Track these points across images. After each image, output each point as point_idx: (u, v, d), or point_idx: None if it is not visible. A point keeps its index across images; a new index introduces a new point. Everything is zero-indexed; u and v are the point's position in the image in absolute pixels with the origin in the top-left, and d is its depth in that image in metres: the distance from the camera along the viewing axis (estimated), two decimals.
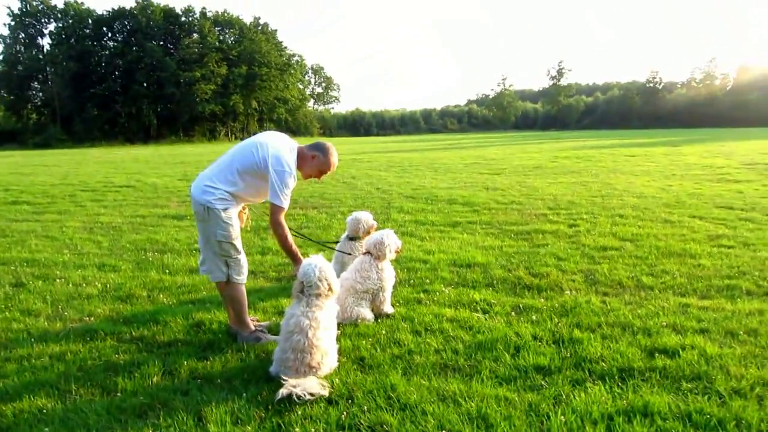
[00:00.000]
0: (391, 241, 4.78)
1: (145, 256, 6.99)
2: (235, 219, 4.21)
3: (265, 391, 3.44)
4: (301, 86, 76.19)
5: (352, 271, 4.75)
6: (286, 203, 4.08)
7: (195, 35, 55.64)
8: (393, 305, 4.93)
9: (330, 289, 3.72)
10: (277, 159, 4.02)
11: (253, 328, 4.36)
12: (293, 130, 66.66)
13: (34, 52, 54.18)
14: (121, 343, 4.29)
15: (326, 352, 3.62)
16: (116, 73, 54.97)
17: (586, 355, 3.83)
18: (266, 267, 6.43)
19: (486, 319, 4.60)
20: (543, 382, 3.48)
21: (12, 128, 53.57)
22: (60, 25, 53.82)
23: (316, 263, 3.71)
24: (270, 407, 3.24)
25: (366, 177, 15.74)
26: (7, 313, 4.95)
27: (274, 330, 4.34)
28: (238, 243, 4.23)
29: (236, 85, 56.35)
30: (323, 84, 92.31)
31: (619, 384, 3.44)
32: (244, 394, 3.40)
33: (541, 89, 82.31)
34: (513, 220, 8.82)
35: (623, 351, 3.85)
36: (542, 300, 5.05)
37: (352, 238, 5.68)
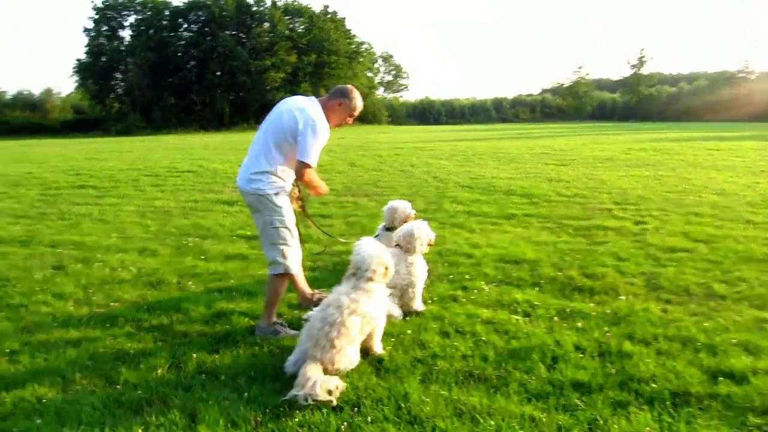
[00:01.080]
0: (423, 233, 4.41)
1: (187, 241, 6.94)
2: (288, 203, 4.06)
3: (268, 391, 3.18)
4: (370, 74, 76.22)
5: None
6: (314, 161, 3.89)
7: (266, 24, 56.74)
8: (425, 302, 4.56)
9: (385, 275, 3.62)
10: (307, 115, 3.85)
11: (275, 319, 4.14)
12: (362, 118, 66.65)
13: (115, 44, 56.96)
14: (139, 331, 4.17)
15: (353, 341, 3.35)
16: (191, 62, 56.97)
17: (634, 372, 3.32)
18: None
19: (525, 323, 4.15)
20: (579, 402, 3.02)
21: (97, 116, 56.71)
22: (139, 17, 56.28)
23: (369, 247, 3.61)
24: (268, 411, 2.97)
25: (425, 165, 15.32)
26: (40, 295, 4.96)
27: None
28: (294, 229, 4.07)
29: (305, 73, 57.03)
30: (393, 72, 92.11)
31: (671, 411, 2.93)
32: (246, 394, 3.16)
33: (620, 78, 78.16)
34: (573, 215, 8.19)
35: (680, 371, 3.31)
36: (593, 304, 4.53)
37: (389, 228, 5.35)
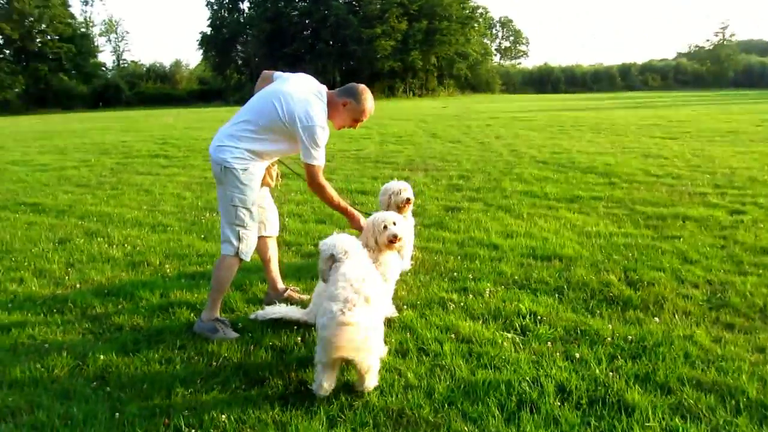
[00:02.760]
0: (375, 227, 3.56)
1: (204, 216, 6.60)
2: (256, 182, 3.57)
3: (148, 414, 2.62)
4: (487, 40, 73.22)
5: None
6: (320, 161, 3.50)
7: None
8: (403, 306, 3.78)
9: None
10: (305, 112, 3.40)
11: (217, 315, 3.60)
12: (473, 86, 64.55)
13: (235, 16, 59.31)
14: (82, 319, 3.81)
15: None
16: (304, 32, 57.95)
17: None
18: (305, 237, 5.58)
19: (513, 345, 3.22)
20: None
21: (218, 87, 59.83)
22: None
23: (331, 238, 3.13)
24: None
25: (511, 137, 14.02)
26: (21, 272, 4.79)
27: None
28: (255, 211, 3.60)
29: (416, 40, 55.68)
30: (511, 37, 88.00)
31: None
32: (117, 414, 2.62)
33: None
34: (654, 199, 6.80)
35: None
36: (618, 323, 3.47)
37: None
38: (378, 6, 55.01)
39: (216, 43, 58.37)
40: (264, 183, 3.91)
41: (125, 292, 4.20)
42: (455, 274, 4.43)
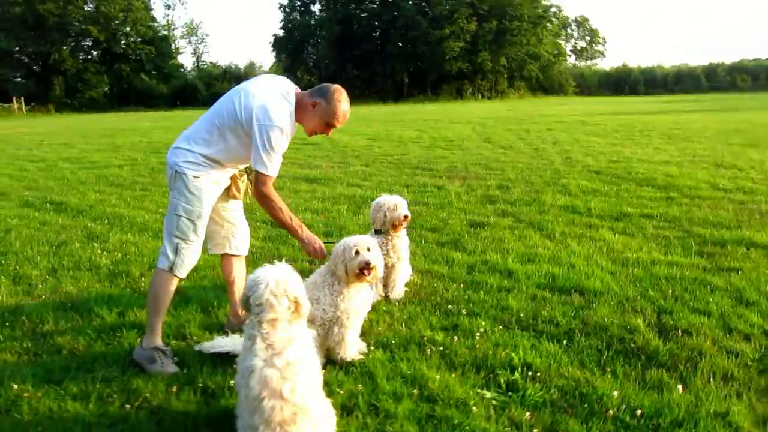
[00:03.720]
0: (353, 253, 3.00)
1: None
2: (209, 193, 3.18)
3: None
4: (561, 41, 70.52)
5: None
6: (272, 169, 3.09)
7: None
8: (384, 342, 3.22)
9: (295, 310, 2.39)
10: (263, 109, 3.02)
11: (158, 343, 3.16)
12: (546, 89, 62.32)
13: (306, 18, 60.15)
14: (28, 336, 3.50)
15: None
16: (373, 34, 57.93)
17: None
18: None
19: (484, 412, 2.58)
20: None
21: None
22: None
23: (272, 273, 2.39)
24: None
25: (570, 143, 13.00)
26: (1, 277, 4.59)
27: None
28: (201, 226, 3.19)
29: (485, 41, 54.28)
30: (587, 37, 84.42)
31: None
32: None
33: None
34: (716, 219, 5.84)
35: None
36: (632, 386, 2.75)
37: (378, 231, 4.00)
38: (447, 6, 54.15)
39: (288, 45, 59.47)
40: (230, 195, 3.47)
41: (85, 308, 3.86)
42: (451, 306, 3.79)
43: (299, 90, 3.29)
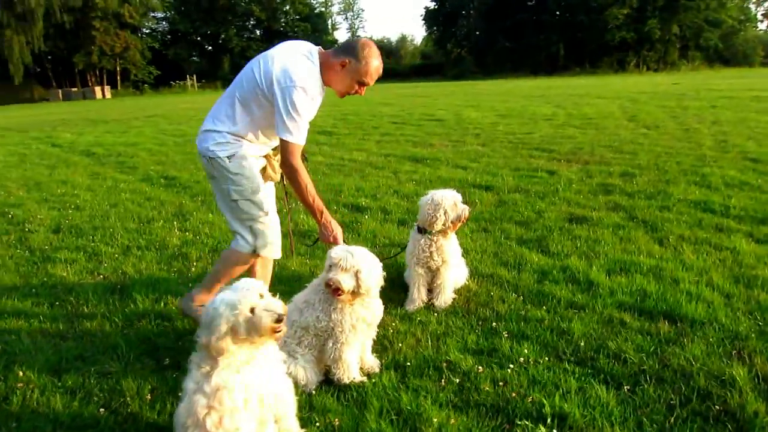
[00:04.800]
0: (327, 266, 2.54)
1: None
2: (251, 168, 3.00)
3: None
4: (751, 5, 61.24)
5: (299, 298, 2.76)
6: (298, 136, 2.85)
7: None
8: (400, 363, 2.76)
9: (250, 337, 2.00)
10: (284, 71, 2.82)
11: None
12: (726, 60, 54.59)
13: None
14: (64, 318, 3.56)
15: None
16: (528, 3, 54.96)
17: None
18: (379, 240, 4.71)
19: None
20: None
21: (439, 61, 60.41)
22: None
23: (231, 296, 2.02)
24: None
25: (734, 123, 10.99)
26: (78, 253, 4.81)
27: None
28: (262, 199, 3.04)
29: (655, 7, 48.68)
30: None
31: None
32: None
33: None
34: None
35: None
36: None
37: (422, 230, 3.48)
38: None
39: (438, 17, 58.81)
40: (266, 177, 3.17)
41: (128, 292, 3.86)
42: (496, 324, 3.18)
43: (323, 50, 3.03)
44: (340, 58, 2.92)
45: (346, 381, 2.61)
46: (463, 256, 4.11)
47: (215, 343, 1.94)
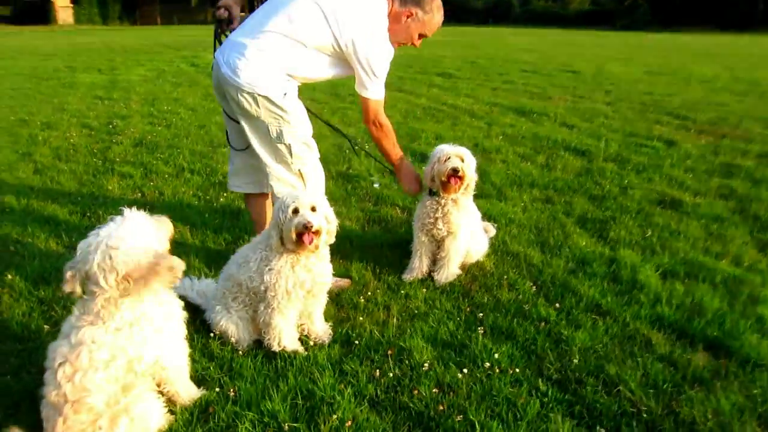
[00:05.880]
0: (290, 212, 2.20)
1: None
2: (302, 105, 2.72)
3: None
4: None
5: (242, 251, 2.49)
6: (383, 93, 2.77)
7: None
8: (351, 340, 2.43)
9: (122, 285, 1.80)
10: (368, 33, 2.64)
11: None
12: None
13: None
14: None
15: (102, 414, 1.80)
16: None
17: None
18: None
19: None
20: None
21: (611, 9, 54.91)
22: None
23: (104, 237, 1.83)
24: None
25: None
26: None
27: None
28: (312, 140, 2.78)
29: None
30: None
31: None
32: None
33: None
34: None
35: None
36: None
37: (432, 192, 3.01)
38: None
39: None
40: None
41: None
42: (485, 315, 2.67)
43: None
44: (407, 7, 2.78)
45: (276, 348, 2.34)
46: (498, 226, 3.59)
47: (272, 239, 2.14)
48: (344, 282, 2.98)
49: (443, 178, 2.84)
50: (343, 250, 3.34)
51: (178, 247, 3.32)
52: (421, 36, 2.89)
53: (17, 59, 15.08)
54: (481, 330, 2.52)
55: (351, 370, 2.25)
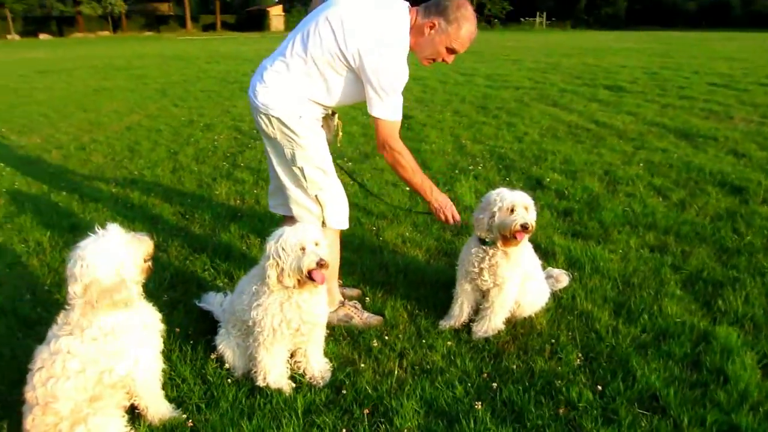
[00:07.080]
0: (299, 250, 2.10)
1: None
2: (320, 132, 2.71)
3: None
4: None
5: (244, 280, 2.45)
6: (397, 114, 2.53)
7: None
8: (351, 385, 2.31)
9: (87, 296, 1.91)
10: (375, 43, 2.43)
11: (342, 299, 2.92)
12: None
13: None
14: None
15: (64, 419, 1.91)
16: None
17: None
18: None
19: None
20: None
21: None
22: None
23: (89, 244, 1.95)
24: None
25: None
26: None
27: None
28: (329, 166, 2.71)
29: None
30: None
31: None
32: None
33: None
34: None
35: None
36: None
37: (484, 242, 2.67)
38: None
39: None
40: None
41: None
42: (499, 386, 2.30)
43: (408, 4, 2.60)
44: (430, 18, 2.53)
45: (261, 383, 2.27)
46: (576, 276, 3.13)
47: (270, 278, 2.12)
48: (375, 320, 2.81)
49: (507, 233, 2.50)
50: (392, 283, 3.16)
51: (240, 259, 3.44)
52: (450, 51, 2.59)
53: (220, 63, 17.15)
54: (480, 405, 2.17)
55: (321, 424, 2.09)
